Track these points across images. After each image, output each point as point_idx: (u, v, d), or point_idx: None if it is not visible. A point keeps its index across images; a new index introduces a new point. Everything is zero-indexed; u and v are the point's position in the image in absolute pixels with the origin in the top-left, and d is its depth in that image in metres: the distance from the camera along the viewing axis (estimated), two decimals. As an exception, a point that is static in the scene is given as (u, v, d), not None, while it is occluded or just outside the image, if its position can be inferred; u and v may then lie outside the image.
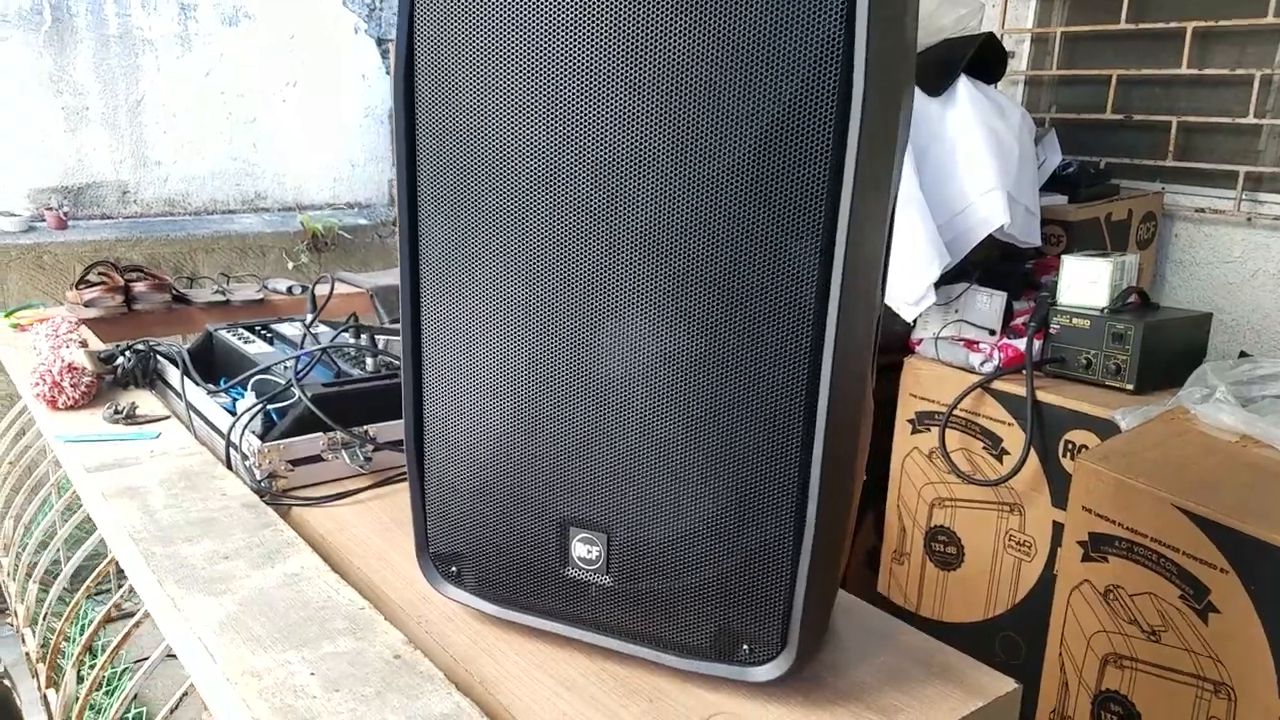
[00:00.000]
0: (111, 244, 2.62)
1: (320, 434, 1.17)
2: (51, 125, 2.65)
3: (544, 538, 0.82)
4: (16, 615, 1.37)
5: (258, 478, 1.12)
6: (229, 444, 1.17)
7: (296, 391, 1.18)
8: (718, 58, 0.66)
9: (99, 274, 1.82)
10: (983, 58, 1.90)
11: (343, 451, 1.18)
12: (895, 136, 0.72)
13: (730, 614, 0.77)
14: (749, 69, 0.65)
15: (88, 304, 1.74)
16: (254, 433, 1.17)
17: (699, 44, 0.66)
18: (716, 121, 0.67)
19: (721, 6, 0.65)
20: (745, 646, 0.78)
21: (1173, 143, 2.26)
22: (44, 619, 1.26)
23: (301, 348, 1.34)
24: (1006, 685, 0.83)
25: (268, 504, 1.12)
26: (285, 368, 1.27)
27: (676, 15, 0.66)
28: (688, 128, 0.68)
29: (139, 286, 1.82)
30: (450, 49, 0.74)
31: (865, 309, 0.75)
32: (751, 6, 0.64)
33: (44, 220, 2.62)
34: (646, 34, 0.67)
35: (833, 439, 0.71)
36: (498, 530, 0.84)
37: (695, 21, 0.66)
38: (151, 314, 1.85)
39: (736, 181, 0.67)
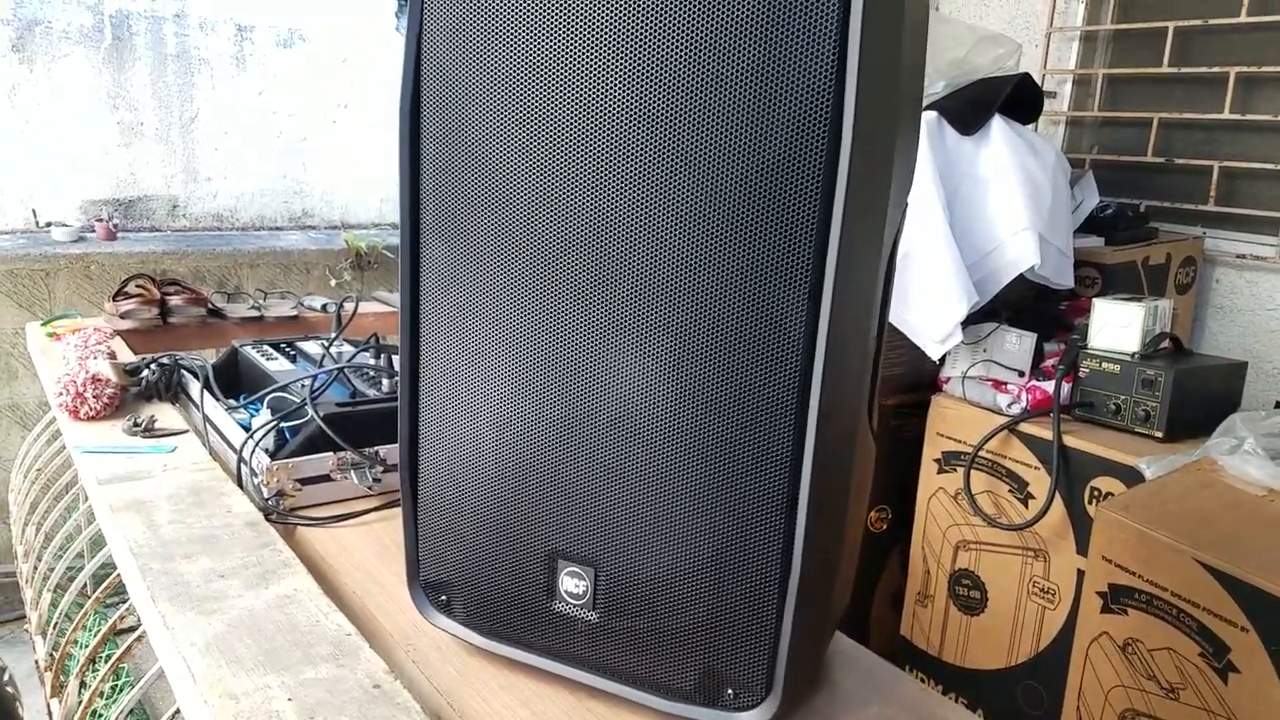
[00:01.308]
0: (158, 256, 2.68)
1: (330, 454, 1.18)
2: (107, 139, 2.72)
3: (532, 569, 0.81)
4: (30, 622, 1.39)
5: (265, 496, 1.13)
6: (240, 461, 1.18)
7: (309, 410, 1.19)
8: (710, 100, 0.66)
9: (136, 286, 1.86)
10: (1019, 98, 1.88)
11: (352, 472, 1.19)
12: (889, 179, 0.71)
13: (715, 657, 0.76)
14: (740, 113, 0.65)
15: (123, 315, 1.78)
16: (265, 450, 1.18)
17: (693, 86, 0.66)
18: (707, 162, 0.67)
19: (716, 51, 0.65)
20: (730, 690, 0.77)
21: (1214, 187, 2.22)
22: (54, 627, 1.28)
23: (320, 366, 1.36)
24: (1000, 743, 0.81)
25: (274, 522, 1.13)
26: (302, 386, 1.28)
27: (673, 57, 0.66)
28: (679, 168, 0.68)
29: (174, 300, 1.86)
30: (455, 84, 0.75)
31: (857, 350, 0.74)
32: (744, 51, 0.64)
33: (94, 231, 2.69)
34: (644, 75, 0.67)
35: (820, 481, 0.70)
36: (487, 560, 0.83)
37: (691, 63, 0.66)
38: (186, 327, 1.88)
39: (725, 222, 0.67)
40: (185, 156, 2.86)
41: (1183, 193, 2.32)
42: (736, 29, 0.64)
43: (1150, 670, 1.24)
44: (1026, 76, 1.91)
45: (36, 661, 1.34)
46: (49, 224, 2.64)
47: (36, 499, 1.58)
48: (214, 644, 0.83)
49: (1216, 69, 2.20)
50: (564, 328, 0.74)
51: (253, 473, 1.17)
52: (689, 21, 0.65)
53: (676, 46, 0.66)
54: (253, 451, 1.18)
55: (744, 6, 0.64)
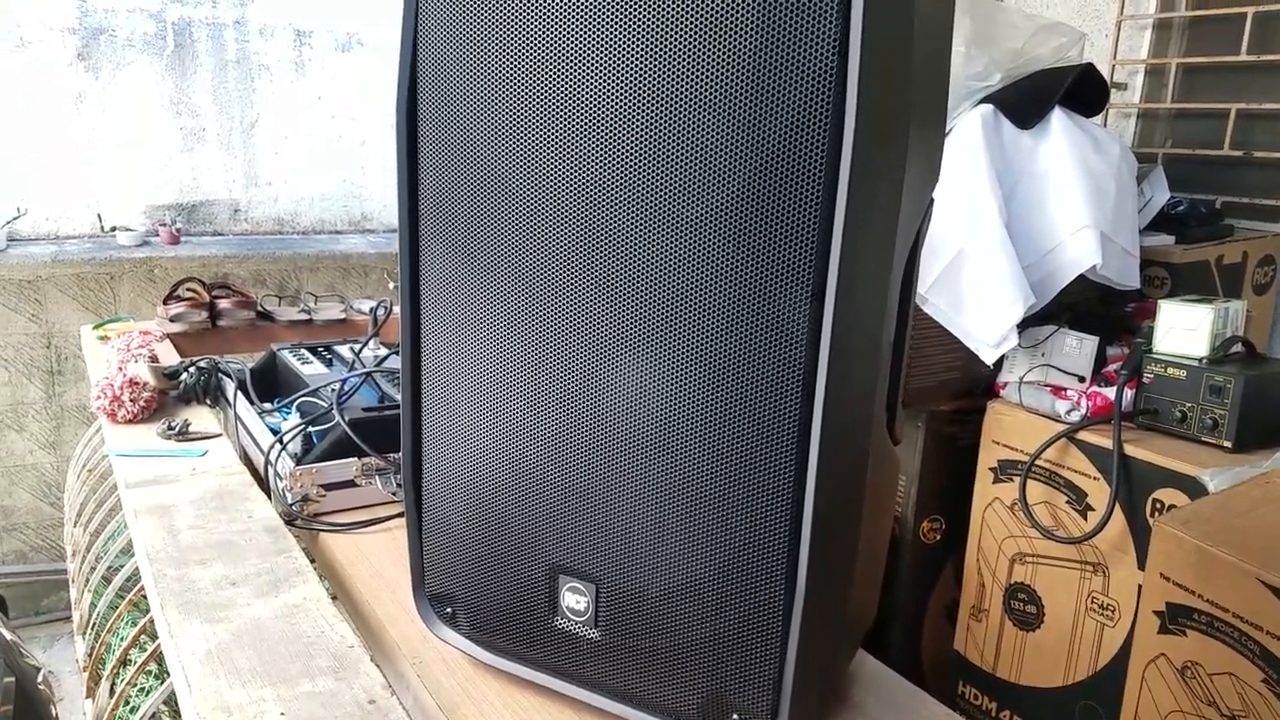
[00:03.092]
0: (220, 260, 2.73)
1: (355, 459, 1.17)
2: (170, 145, 2.79)
3: (534, 584, 0.79)
4: (73, 621, 1.42)
5: (289, 501, 1.13)
6: (267, 464, 1.18)
7: (335, 415, 1.19)
8: (708, 102, 0.62)
9: (187, 290, 1.89)
10: (1082, 90, 1.80)
11: (376, 477, 1.18)
12: (901, 176, 0.67)
13: (719, 680, 0.73)
14: (738, 115, 0.62)
15: (173, 319, 1.81)
16: (292, 455, 1.18)
17: (691, 88, 0.63)
18: (706, 166, 0.64)
19: (713, 54, 0.62)
20: (736, 716, 0.73)
21: (1298, 181, 2.09)
22: (92, 627, 1.30)
23: (350, 371, 1.35)
24: (1028, 777, 0.75)
25: (299, 528, 1.12)
26: (331, 390, 1.28)
27: (671, 60, 0.63)
28: (677, 172, 0.65)
29: (224, 303, 1.88)
30: (451, 91, 0.73)
31: (868, 356, 0.70)
32: (742, 52, 0.61)
33: (158, 235, 2.75)
34: (640, 78, 0.64)
35: (826, 495, 0.66)
36: (490, 573, 0.81)
37: (688, 66, 0.63)
38: (235, 330, 1.91)
39: (724, 226, 0.64)
40: (246, 161, 2.91)
41: (1262, 187, 2.20)
42: (734, 29, 0.61)
43: (1210, 696, 1.16)
44: (1090, 67, 1.82)
45: (77, 660, 1.36)
46: (114, 229, 2.71)
47: (85, 499, 1.61)
48: (215, 653, 0.82)
49: (1299, 56, 2.08)
50: (563, 338, 0.72)
51: (279, 477, 1.16)
52: (685, 23, 0.62)
53: (673, 49, 0.63)
54: (279, 456, 1.17)
55: (741, 6, 0.60)
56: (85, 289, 2.60)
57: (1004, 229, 1.64)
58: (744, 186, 0.63)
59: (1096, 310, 1.85)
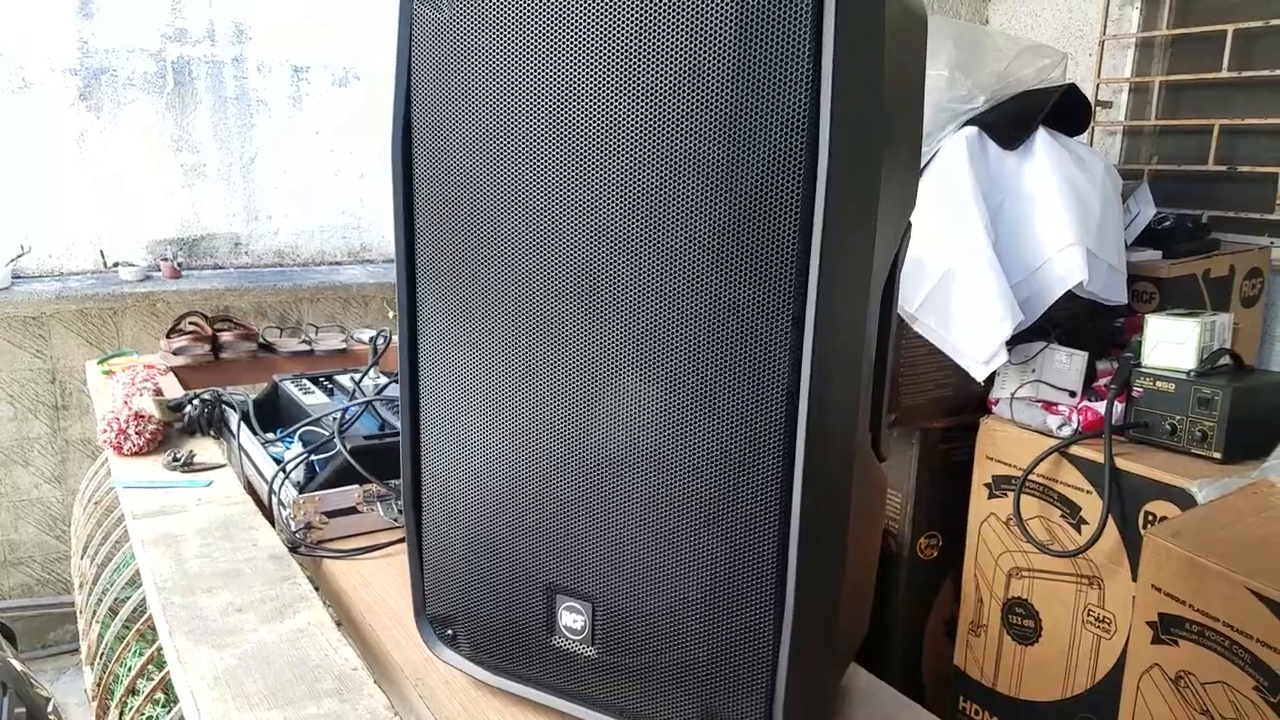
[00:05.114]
0: (221, 293, 2.75)
1: (356, 486, 1.19)
2: (170, 181, 2.82)
3: (532, 604, 0.81)
4: (81, 652, 1.43)
5: (292, 529, 1.15)
6: (271, 493, 1.21)
7: (336, 443, 1.21)
8: (690, 136, 0.65)
9: (189, 323, 1.92)
10: (1065, 109, 1.83)
11: (378, 504, 1.20)
12: (875, 202, 0.70)
13: (713, 695, 0.75)
14: (719, 146, 0.65)
15: (176, 352, 1.83)
16: (294, 483, 1.20)
17: (673, 122, 0.66)
18: (689, 195, 0.66)
19: (692, 86, 0.64)
20: (729, 729, 0.75)
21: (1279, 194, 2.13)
22: (100, 657, 1.32)
23: (351, 400, 1.38)
24: (1018, 784, 0.77)
25: (303, 554, 1.14)
26: (333, 419, 1.30)
27: (652, 92, 0.66)
28: (662, 200, 0.67)
29: (226, 336, 1.91)
30: (444, 120, 0.76)
31: (849, 377, 0.72)
32: (719, 84, 0.64)
33: (159, 270, 2.78)
34: (625, 110, 0.67)
35: (812, 513, 0.68)
36: (488, 594, 0.83)
37: (669, 98, 0.65)
38: (238, 362, 1.93)
39: (707, 254, 0.66)
40: (246, 195, 2.94)
41: (1247, 201, 2.23)
42: (713, 70, 0.64)
43: (1204, 705, 1.18)
44: (1073, 87, 1.86)
45: (85, 690, 1.37)
46: (116, 264, 2.74)
47: (92, 532, 1.63)
48: (223, 678, 0.84)
49: (1278, 72, 2.12)
50: (555, 364, 0.74)
51: (282, 505, 1.19)
52: (669, 63, 0.65)
53: (658, 87, 0.66)
54: (282, 484, 1.20)
55: (718, 44, 0.63)
56: (89, 324, 2.63)
57: (991, 248, 1.67)
58: (726, 217, 0.65)
59: (1086, 326, 1.88)
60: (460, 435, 0.81)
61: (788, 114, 0.62)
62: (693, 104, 0.65)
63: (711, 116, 0.64)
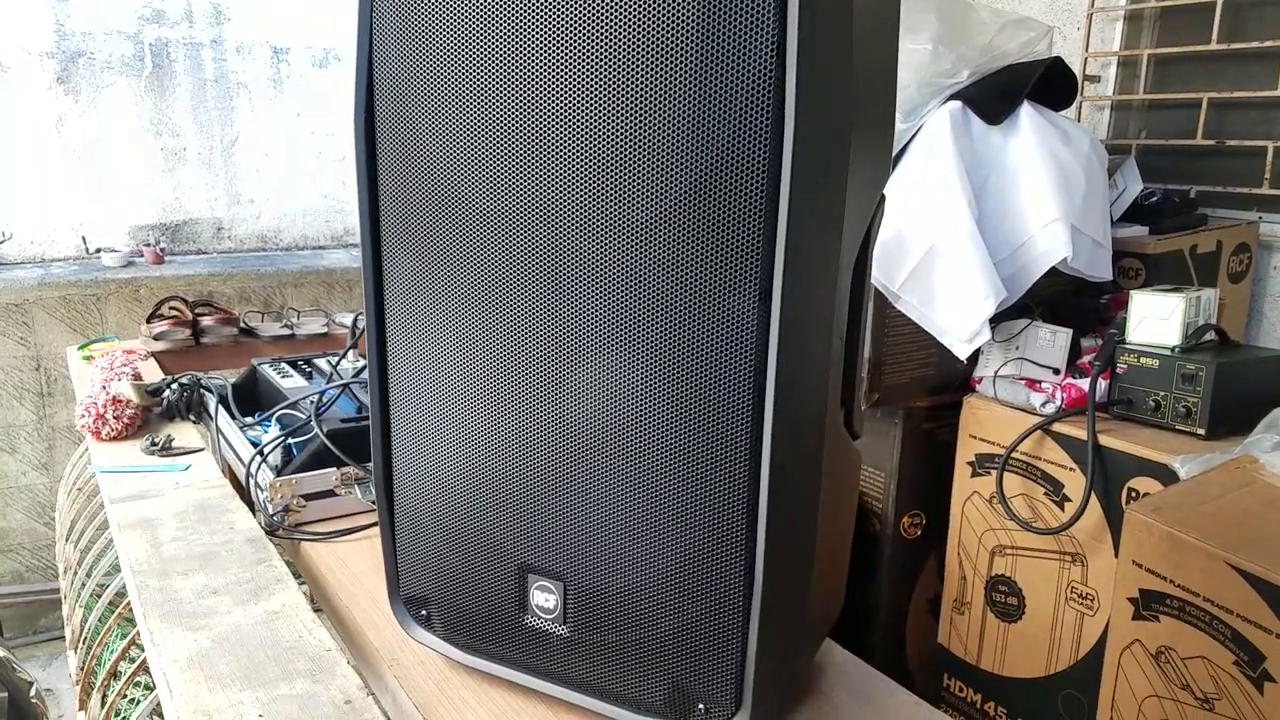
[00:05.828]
0: (204, 278, 2.74)
1: (334, 469, 1.19)
2: (151, 165, 2.80)
3: (504, 583, 0.80)
4: (66, 636, 1.43)
5: (270, 512, 1.14)
6: (248, 477, 1.20)
7: (313, 426, 1.20)
8: (654, 107, 0.64)
9: (169, 308, 1.91)
10: (1051, 83, 1.82)
11: (355, 487, 1.20)
12: (845, 175, 0.69)
13: (685, 671, 0.74)
14: (683, 117, 0.64)
15: (156, 337, 1.82)
16: (272, 467, 1.19)
17: (635, 94, 0.65)
18: (653, 168, 0.65)
19: (655, 60, 0.64)
20: (701, 706, 0.75)
21: (1269, 169, 2.12)
22: (83, 642, 1.31)
23: (329, 383, 1.37)
24: (992, 759, 0.77)
25: (280, 538, 1.14)
26: (310, 402, 1.29)
27: (615, 66, 0.65)
28: (626, 174, 0.66)
29: (206, 321, 1.90)
30: (406, 100, 0.75)
31: (818, 353, 0.72)
32: (682, 57, 0.63)
33: (142, 256, 2.77)
34: (587, 85, 0.66)
35: (780, 489, 0.68)
36: (461, 574, 0.83)
37: (632, 72, 0.64)
38: (218, 347, 1.92)
39: (673, 228, 0.66)
40: (227, 180, 2.92)
41: (1236, 176, 2.22)
42: (676, 40, 0.63)
43: (1184, 680, 1.18)
44: (1058, 60, 1.85)
45: (70, 675, 1.37)
46: (99, 250, 2.72)
47: (75, 517, 1.62)
48: (196, 660, 0.83)
49: (1269, 43, 2.11)
50: (522, 342, 0.74)
51: (259, 488, 1.18)
52: (631, 34, 0.64)
53: (620, 59, 0.65)
54: (259, 467, 1.19)
55: (681, 14, 0.62)
56: (72, 311, 2.61)
57: (974, 225, 1.66)
58: (690, 190, 0.64)
59: (1071, 302, 1.87)
60: (430, 416, 0.81)
61: (752, 86, 0.61)
62: (656, 77, 0.64)
63: (675, 89, 0.63)
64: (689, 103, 0.63)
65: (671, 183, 0.65)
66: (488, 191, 0.72)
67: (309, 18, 2.91)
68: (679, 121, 0.64)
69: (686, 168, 0.64)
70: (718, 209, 0.64)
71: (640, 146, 0.65)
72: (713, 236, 0.65)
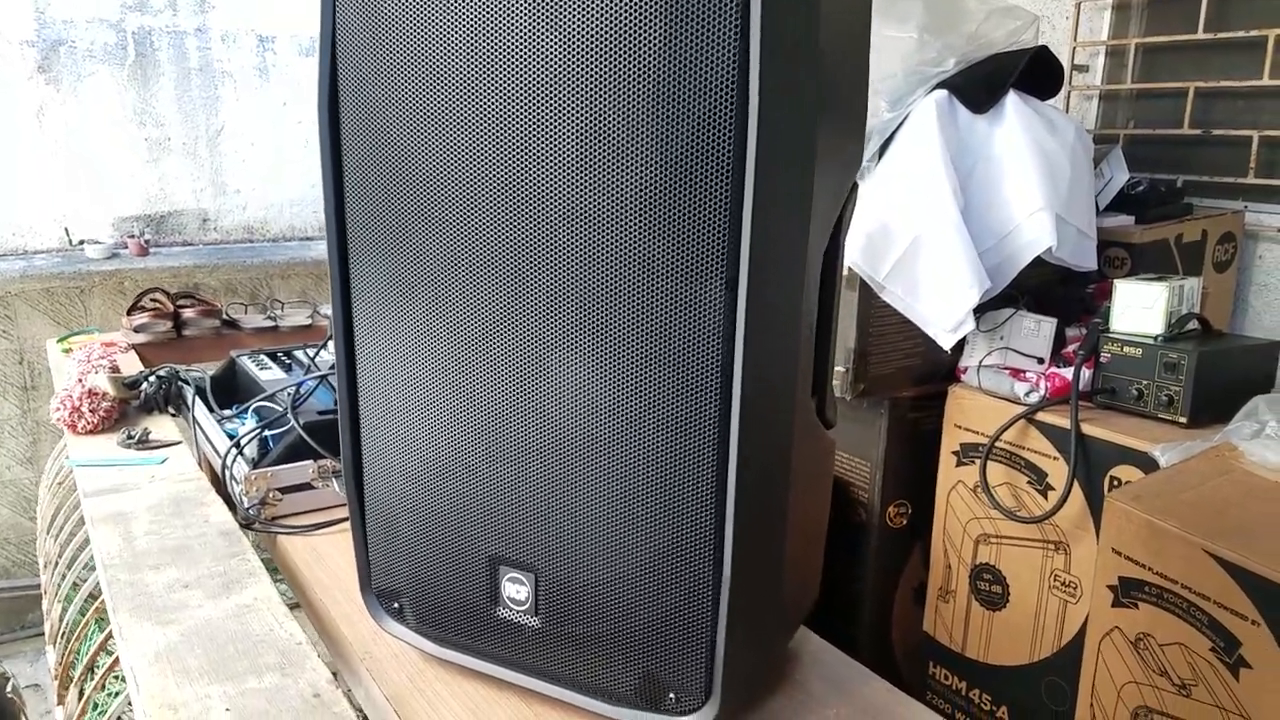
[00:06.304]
0: (190, 270, 2.72)
1: (310, 462, 1.18)
2: (135, 156, 2.78)
3: (475, 575, 0.80)
4: (45, 631, 1.42)
5: (246, 505, 1.14)
6: (224, 469, 1.19)
7: (289, 418, 1.19)
8: (618, 96, 0.63)
9: (151, 300, 1.89)
10: (1036, 72, 1.81)
11: (333, 479, 1.19)
12: (811, 163, 0.68)
13: (655, 661, 0.74)
14: (647, 105, 0.63)
15: (137, 329, 1.81)
16: (248, 459, 1.19)
17: (601, 82, 0.64)
18: (617, 157, 0.64)
19: (619, 47, 0.63)
20: (672, 695, 0.75)
21: (1255, 158, 2.11)
22: (61, 637, 1.31)
23: (306, 374, 1.36)
24: (965, 749, 0.77)
25: (256, 531, 1.13)
26: (287, 394, 1.28)
27: (578, 54, 0.64)
28: (590, 163, 0.65)
29: (188, 313, 1.88)
30: (369, 89, 0.74)
31: (786, 341, 0.71)
32: (647, 43, 0.62)
33: (126, 248, 2.75)
34: (549, 70, 0.65)
35: (747, 479, 0.67)
36: (433, 566, 0.82)
37: (595, 59, 0.64)
38: (200, 339, 1.91)
39: (638, 217, 0.65)
40: (213, 170, 2.90)
41: (1222, 165, 2.22)
42: (640, 28, 0.62)
43: (1162, 666, 1.18)
44: (1043, 49, 1.84)
45: (49, 670, 1.36)
46: (83, 242, 2.70)
47: (55, 511, 1.61)
48: (164, 654, 0.83)
49: (1255, 32, 2.10)
50: (488, 333, 0.73)
51: (235, 481, 1.17)
52: (595, 21, 0.63)
53: (585, 48, 0.64)
54: (234, 460, 1.18)
55: (647, 7, 0.61)
56: (56, 303, 2.60)
57: (959, 215, 1.65)
58: (655, 179, 0.64)
59: (1056, 292, 1.87)
60: (399, 409, 0.80)
61: (716, 69, 0.61)
62: (620, 64, 0.63)
63: (639, 77, 0.63)
64: (651, 87, 0.62)
65: (634, 169, 0.64)
66: (452, 180, 0.71)
67: (294, 6, 2.89)
68: (641, 107, 0.63)
69: (649, 154, 0.63)
70: (682, 198, 0.64)
71: (607, 135, 0.64)
72: (677, 225, 0.64)
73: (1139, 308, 1.61)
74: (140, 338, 1.82)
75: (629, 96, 0.63)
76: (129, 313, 1.88)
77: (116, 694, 1.21)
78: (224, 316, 1.94)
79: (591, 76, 0.64)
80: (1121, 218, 1.99)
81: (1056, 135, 1.78)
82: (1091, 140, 1.91)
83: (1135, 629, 1.22)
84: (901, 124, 1.78)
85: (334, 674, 0.83)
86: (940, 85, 1.80)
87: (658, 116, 0.63)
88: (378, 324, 0.79)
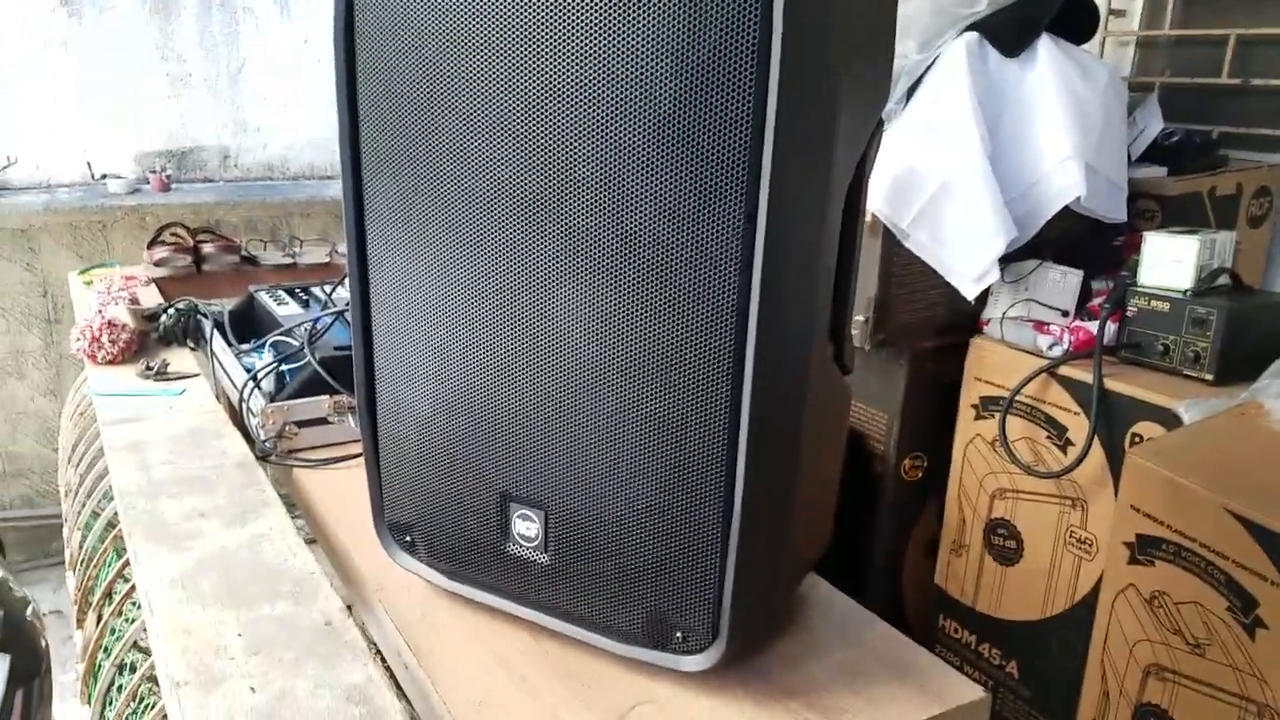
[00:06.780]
0: (210, 207, 2.72)
1: (326, 396, 1.18)
2: (157, 91, 2.77)
3: (486, 511, 0.80)
4: (65, 558, 1.44)
5: (262, 438, 1.14)
6: (241, 402, 1.20)
7: (306, 353, 1.19)
8: (638, 18, 0.62)
9: (171, 235, 1.89)
10: (1071, 15, 1.76)
11: (349, 415, 1.19)
12: (837, 98, 0.66)
13: (663, 600, 0.74)
14: (667, 29, 0.61)
15: (157, 263, 1.81)
16: (265, 393, 1.19)
17: (621, 13, 0.62)
18: (637, 81, 0.63)
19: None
20: (679, 634, 0.75)
21: (1295, 110, 2.06)
22: (81, 563, 1.32)
23: (323, 310, 1.36)
24: (973, 693, 0.77)
25: (272, 464, 1.14)
26: (304, 329, 1.28)
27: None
28: (609, 88, 0.64)
29: (208, 248, 1.88)
30: (384, 14, 0.72)
31: (804, 280, 0.70)
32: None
33: (148, 183, 2.75)
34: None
35: (761, 420, 0.67)
36: (444, 501, 0.82)
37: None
38: (220, 274, 1.91)
39: (657, 144, 0.63)
40: (234, 107, 2.89)
41: (1260, 116, 2.16)
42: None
43: (1176, 625, 1.18)
44: (1079, -8, 1.79)
45: (70, 596, 1.38)
46: (105, 176, 2.70)
47: (76, 440, 1.62)
48: (180, 579, 0.83)
49: (1302, -20, 2.03)
50: (505, 265, 0.72)
51: (252, 414, 1.18)
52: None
53: (596, -43, 0.62)
54: (251, 393, 1.18)
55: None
56: (78, 237, 2.61)
57: (987, 161, 1.62)
58: (675, 105, 0.62)
59: (1085, 244, 1.84)
60: (413, 342, 0.79)
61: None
62: (640, -14, 0.61)
63: (659, 5, 0.61)
64: (675, 14, 0.61)
65: (657, 97, 0.63)
66: (472, 107, 0.70)
67: (316, -60, 2.85)
68: (665, 34, 0.61)
69: (672, 81, 0.62)
70: (703, 126, 0.62)
71: (626, 59, 0.63)
72: (698, 155, 0.63)
73: (1168, 261, 1.58)
74: (160, 271, 1.82)
75: (654, 16, 0.61)
76: (149, 246, 1.88)
77: (133, 619, 1.23)
78: (243, 253, 1.94)
79: (620, 5, 0.62)
80: (1154, 168, 1.95)
81: (1089, 81, 1.74)
82: (1126, 88, 1.86)
83: (1150, 587, 1.21)
84: (930, 67, 1.74)
85: (348, 607, 0.84)
86: (971, 27, 1.75)
87: (679, 40, 0.61)
88: (392, 256, 0.78)
